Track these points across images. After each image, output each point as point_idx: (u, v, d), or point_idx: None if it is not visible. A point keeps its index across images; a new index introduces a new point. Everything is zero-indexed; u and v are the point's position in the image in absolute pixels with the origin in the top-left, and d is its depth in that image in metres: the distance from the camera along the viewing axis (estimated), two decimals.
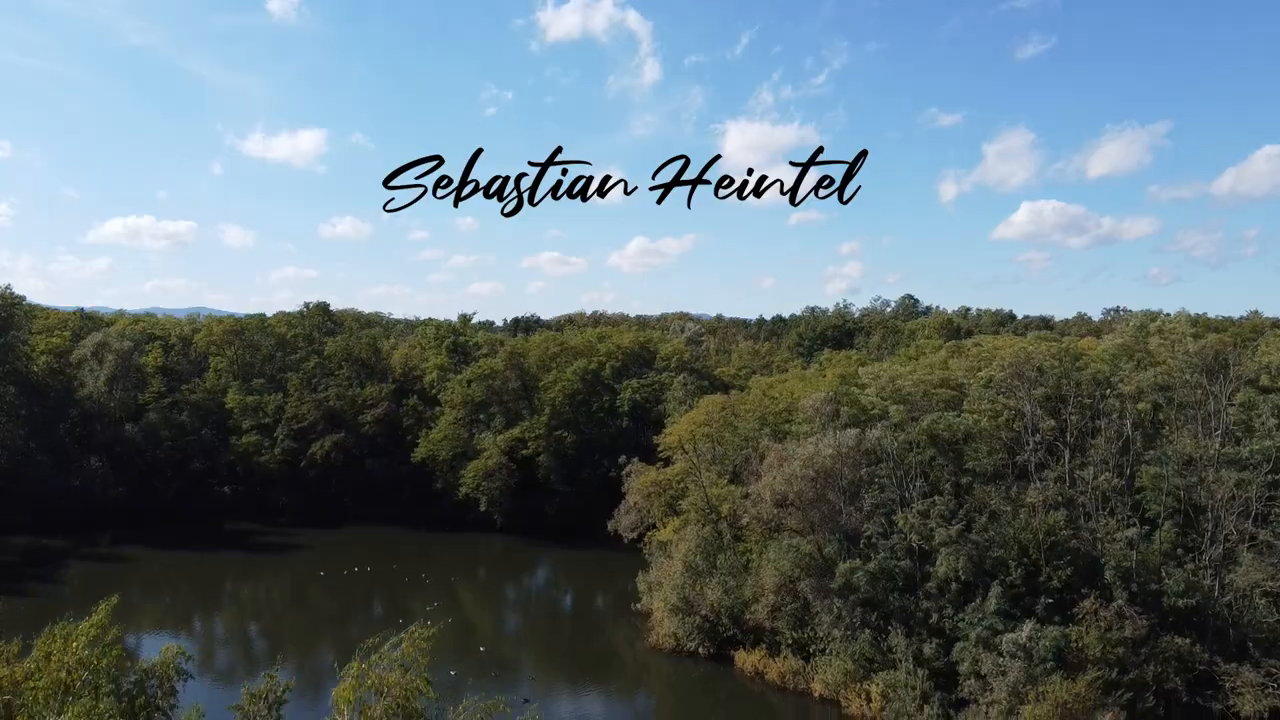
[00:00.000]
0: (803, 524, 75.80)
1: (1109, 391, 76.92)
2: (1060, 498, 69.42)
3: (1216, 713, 58.65)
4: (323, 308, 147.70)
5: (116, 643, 24.01)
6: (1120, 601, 61.29)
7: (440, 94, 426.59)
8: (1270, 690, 57.61)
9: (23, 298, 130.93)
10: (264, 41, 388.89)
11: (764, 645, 75.29)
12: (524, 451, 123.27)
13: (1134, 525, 65.56)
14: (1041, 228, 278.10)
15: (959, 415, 78.57)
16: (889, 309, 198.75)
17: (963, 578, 66.09)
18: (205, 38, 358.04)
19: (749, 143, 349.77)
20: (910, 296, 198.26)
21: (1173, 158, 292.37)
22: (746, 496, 79.34)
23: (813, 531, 74.90)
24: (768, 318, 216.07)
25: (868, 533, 71.75)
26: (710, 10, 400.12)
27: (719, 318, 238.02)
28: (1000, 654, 62.12)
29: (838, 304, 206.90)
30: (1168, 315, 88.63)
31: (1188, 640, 60.71)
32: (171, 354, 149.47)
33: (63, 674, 20.62)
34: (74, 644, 21.76)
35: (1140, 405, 75.90)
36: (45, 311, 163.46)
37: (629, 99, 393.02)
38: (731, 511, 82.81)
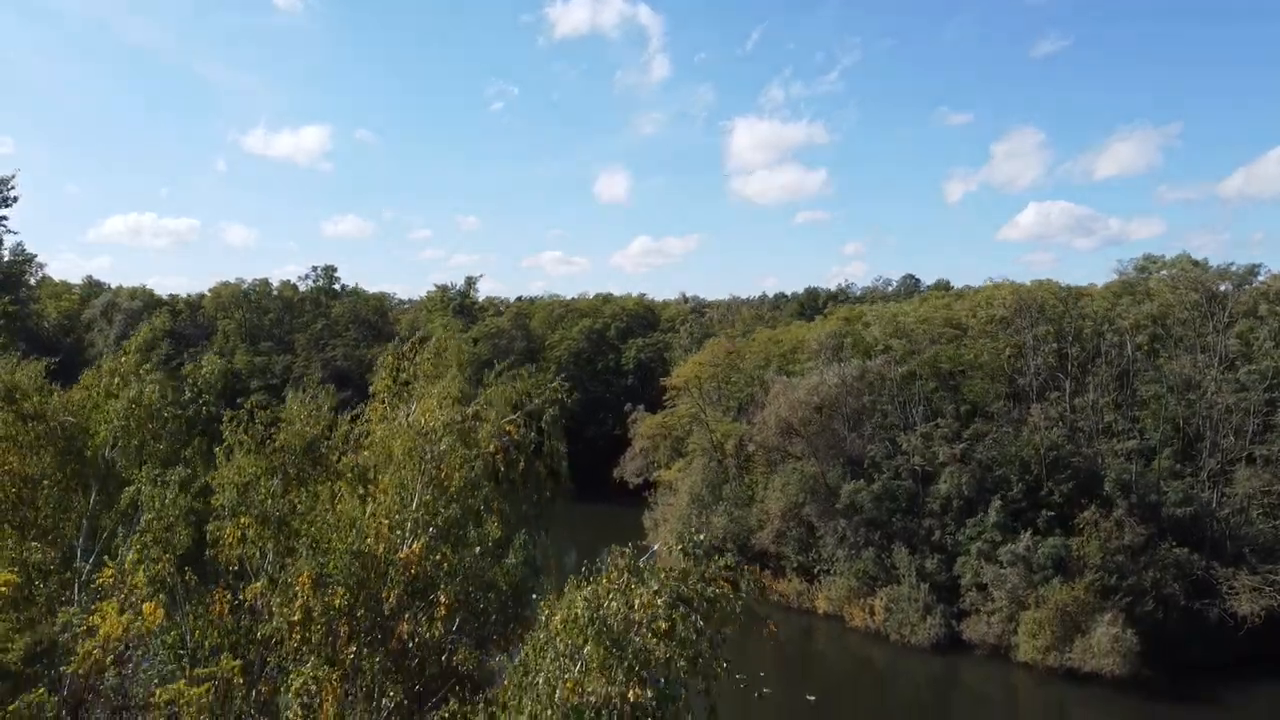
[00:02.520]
0: (807, 452, 77.03)
1: (1108, 327, 78.22)
2: (1061, 420, 70.75)
3: (1214, 615, 59.79)
4: (329, 272, 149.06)
5: (160, 365, 24.96)
6: (1120, 511, 62.49)
7: (446, 90, 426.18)
8: (1266, 592, 58.81)
9: (34, 255, 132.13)
10: (267, 38, 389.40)
11: (769, 570, 76.49)
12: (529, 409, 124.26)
13: (1134, 438, 66.86)
14: (1049, 229, 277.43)
15: (960, 348, 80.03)
16: (890, 288, 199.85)
17: (965, 494, 67.35)
18: (208, 35, 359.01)
19: (758, 141, 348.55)
20: (911, 276, 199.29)
21: (1183, 159, 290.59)
22: (751, 424, 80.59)
23: (816, 458, 76.11)
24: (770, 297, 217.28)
25: (872, 454, 73.01)
26: (722, 4, 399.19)
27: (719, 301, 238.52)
28: (1000, 564, 63.40)
29: (839, 284, 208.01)
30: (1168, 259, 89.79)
31: (1186, 549, 61.94)
32: (179, 318, 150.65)
33: (115, 380, 21.79)
34: (124, 357, 22.90)
35: (1139, 339, 77.19)
36: (53, 281, 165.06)
37: (636, 96, 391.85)
38: (736, 447, 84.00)
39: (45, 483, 21.26)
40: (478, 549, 16.14)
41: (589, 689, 10.90)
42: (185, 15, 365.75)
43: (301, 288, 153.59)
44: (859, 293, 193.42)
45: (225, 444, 16.75)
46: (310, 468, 16.73)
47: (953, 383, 78.56)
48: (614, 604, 11.13)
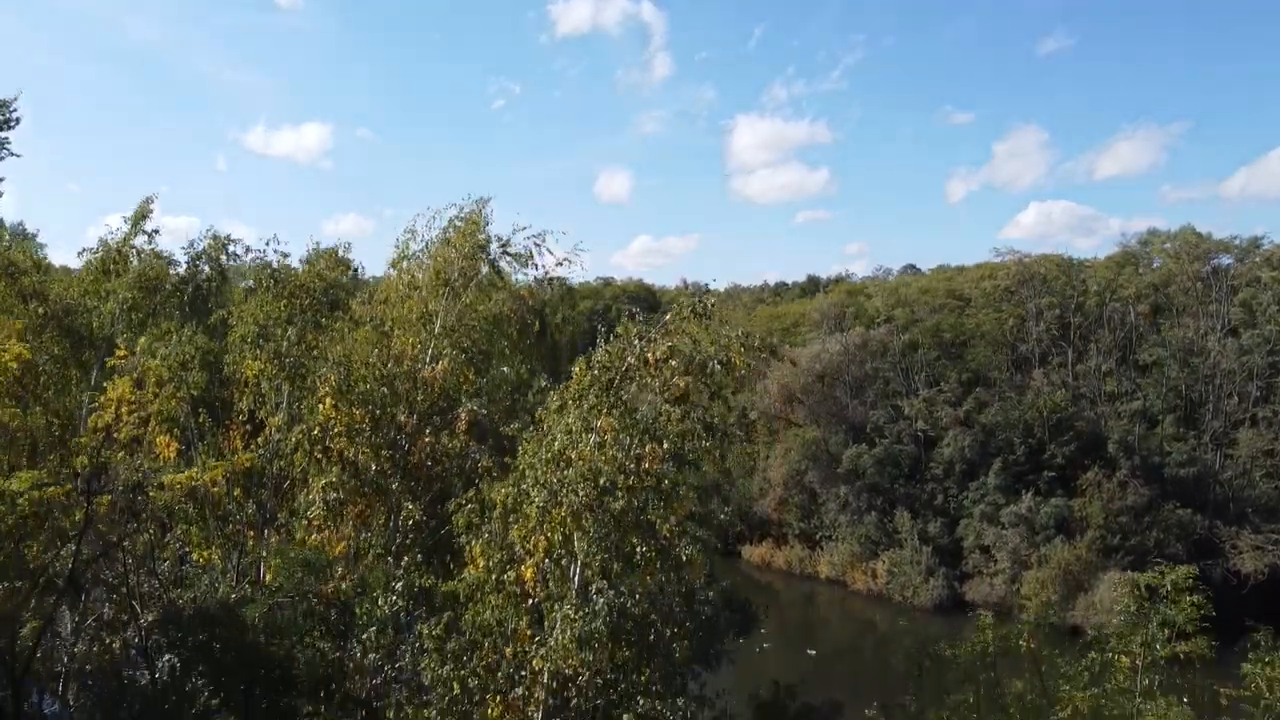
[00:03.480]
0: (809, 419, 76.98)
1: (1110, 296, 78.20)
2: (1064, 386, 70.77)
3: (1217, 575, 59.60)
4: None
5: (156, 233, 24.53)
6: (1123, 472, 62.38)
7: (447, 88, 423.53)
8: (1269, 551, 58.72)
9: (35, 234, 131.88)
10: (268, 35, 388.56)
11: (771, 538, 76.46)
12: None
13: (1138, 399, 66.82)
14: (1050, 228, 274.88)
15: (963, 318, 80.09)
16: (891, 278, 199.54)
17: (968, 457, 67.31)
18: (209, 33, 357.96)
19: (759, 140, 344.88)
20: (912, 266, 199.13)
21: (1186, 158, 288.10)
22: (753, 393, 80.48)
23: (818, 425, 76.05)
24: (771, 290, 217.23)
25: (875, 419, 72.99)
26: (724, 2, 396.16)
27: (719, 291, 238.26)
28: (1002, 525, 63.38)
29: (839, 275, 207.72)
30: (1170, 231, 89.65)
31: (1189, 510, 61.83)
32: None
33: (112, 255, 21.66)
34: (124, 240, 22.73)
35: (1141, 308, 77.14)
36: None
37: (638, 95, 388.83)
38: (738, 417, 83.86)
39: (46, 360, 21.11)
40: (504, 369, 16.11)
41: (604, 457, 10.80)
42: (186, 13, 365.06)
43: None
44: (859, 281, 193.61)
45: (245, 282, 16.77)
46: (329, 312, 16.71)
47: (955, 351, 78.56)
48: (628, 360, 11.00)
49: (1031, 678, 17.32)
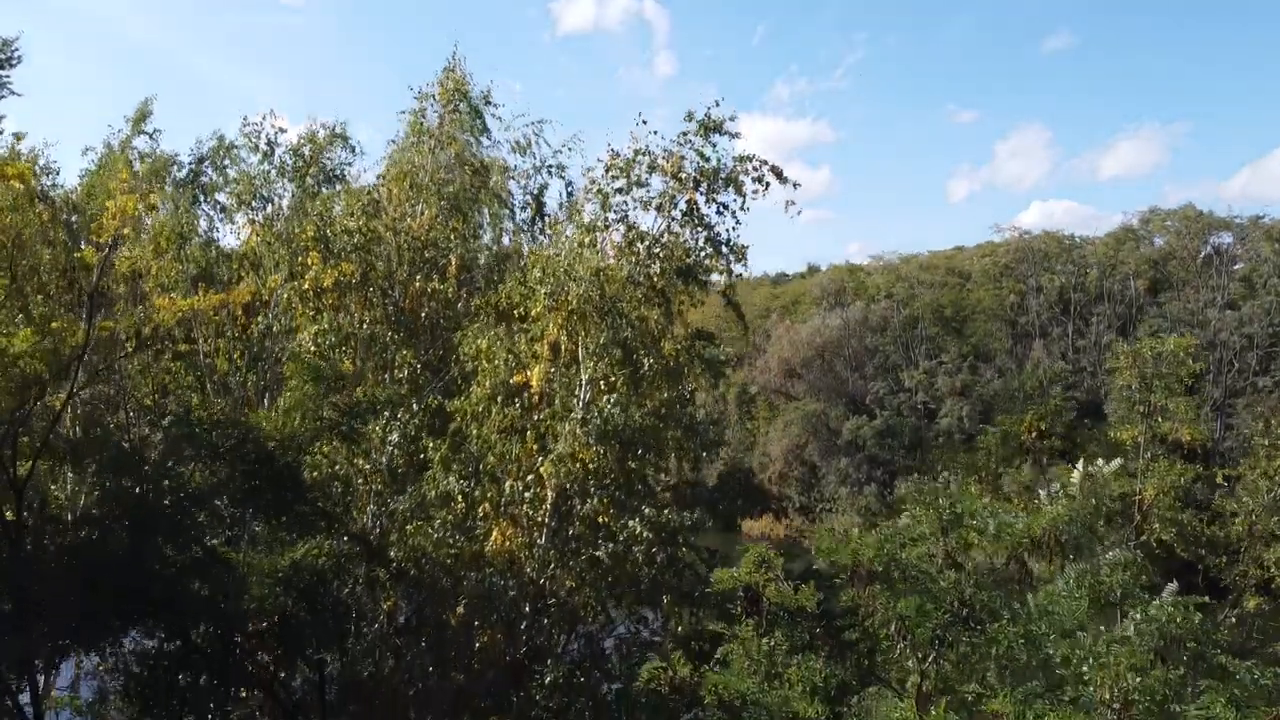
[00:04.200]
0: (809, 394, 77.00)
1: (1111, 272, 78.23)
2: (1064, 359, 70.84)
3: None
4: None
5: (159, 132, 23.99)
6: None
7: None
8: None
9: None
10: (269, 34, 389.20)
11: (771, 511, 76.33)
12: None
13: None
14: (1052, 228, 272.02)
15: (963, 294, 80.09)
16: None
17: (966, 427, 67.30)
18: (210, 32, 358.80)
19: (762, 139, 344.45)
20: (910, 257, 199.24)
21: (1188, 158, 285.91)
22: (754, 367, 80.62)
23: (819, 399, 76.07)
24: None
25: (875, 390, 73.04)
26: (727, 1, 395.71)
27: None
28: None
29: (838, 264, 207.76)
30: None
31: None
32: None
33: (112, 154, 21.46)
34: (125, 141, 22.46)
35: (1140, 283, 77.16)
36: None
37: (641, 94, 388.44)
38: (738, 394, 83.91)
39: (47, 257, 20.90)
40: (487, 210, 16.01)
41: (612, 267, 10.73)
42: (187, 13, 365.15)
43: None
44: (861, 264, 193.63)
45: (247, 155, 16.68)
46: (324, 184, 16.63)
47: (955, 326, 78.62)
48: (638, 172, 10.93)
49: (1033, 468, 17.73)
